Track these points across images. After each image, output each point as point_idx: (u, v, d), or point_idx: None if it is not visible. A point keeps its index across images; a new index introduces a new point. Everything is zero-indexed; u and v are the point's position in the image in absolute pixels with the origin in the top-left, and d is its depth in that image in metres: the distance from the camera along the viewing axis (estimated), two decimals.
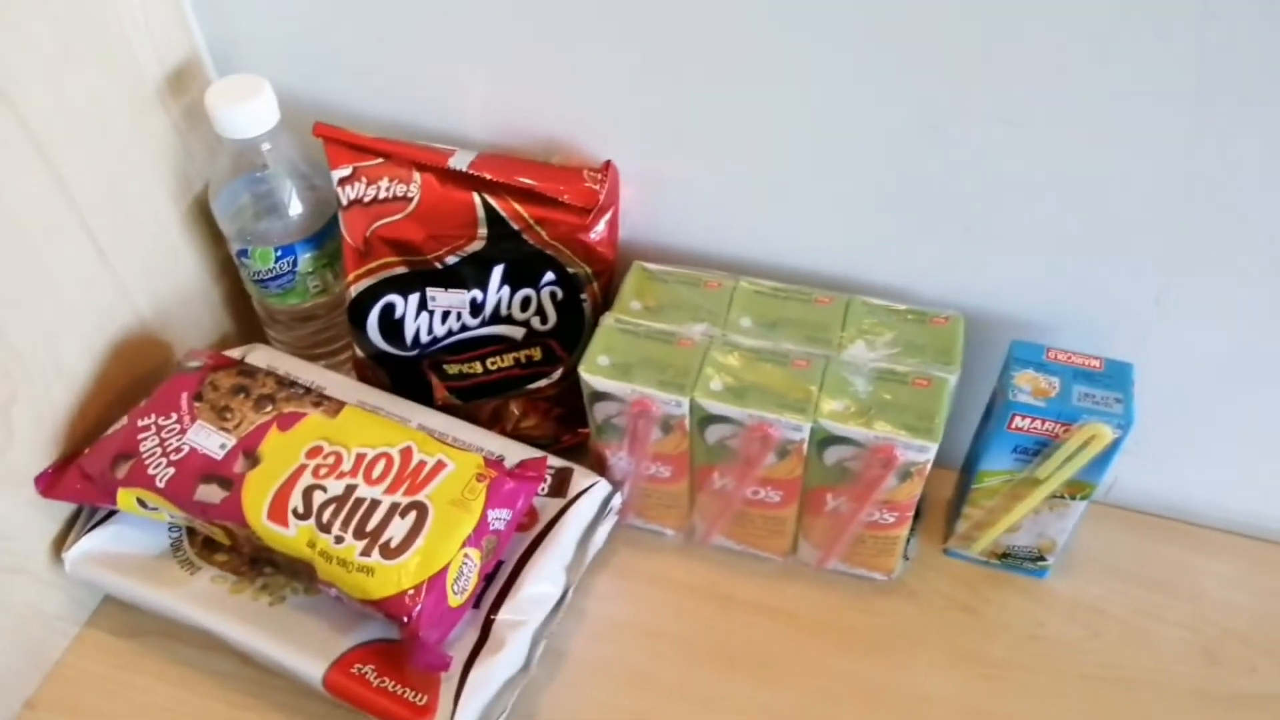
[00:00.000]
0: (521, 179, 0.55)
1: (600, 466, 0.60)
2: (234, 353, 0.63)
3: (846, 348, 0.55)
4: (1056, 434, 0.53)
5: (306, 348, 0.67)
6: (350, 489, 0.51)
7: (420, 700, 0.50)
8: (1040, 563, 0.62)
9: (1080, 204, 0.52)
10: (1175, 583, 0.62)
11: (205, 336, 0.66)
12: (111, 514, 0.57)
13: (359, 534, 0.50)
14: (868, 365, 0.54)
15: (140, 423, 0.55)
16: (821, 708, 0.57)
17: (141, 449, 0.53)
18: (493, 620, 0.53)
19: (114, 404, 0.59)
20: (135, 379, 0.60)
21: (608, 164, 0.57)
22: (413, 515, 0.50)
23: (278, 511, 0.51)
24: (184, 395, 0.55)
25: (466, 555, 0.51)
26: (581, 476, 0.59)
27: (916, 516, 0.62)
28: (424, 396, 0.63)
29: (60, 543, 0.57)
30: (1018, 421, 0.53)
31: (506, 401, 0.64)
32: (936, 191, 0.53)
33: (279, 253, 0.60)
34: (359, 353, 0.63)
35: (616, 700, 0.57)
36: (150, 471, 0.53)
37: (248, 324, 0.69)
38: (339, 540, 0.50)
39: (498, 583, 0.54)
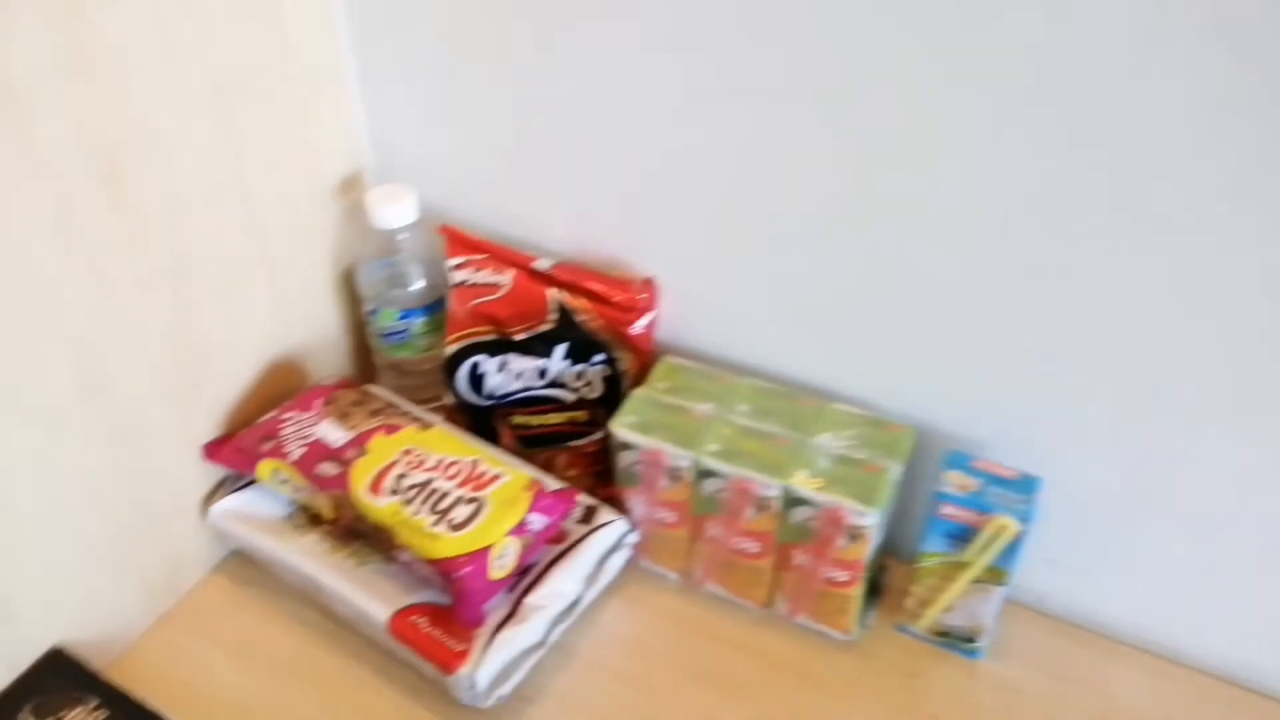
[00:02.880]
0: (586, 283, 0.74)
1: (621, 508, 0.76)
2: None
3: (817, 436, 0.71)
4: (975, 522, 0.67)
5: (411, 394, 0.85)
6: (430, 480, 0.68)
7: (458, 648, 0.65)
8: (971, 644, 0.74)
9: (1017, 347, 0.68)
10: (1091, 681, 0.73)
11: (334, 372, 0.86)
12: (250, 483, 0.75)
13: (433, 511, 0.67)
14: (832, 450, 0.70)
15: (284, 415, 0.74)
16: None
17: (282, 433, 0.72)
18: (522, 602, 0.69)
19: (264, 404, 0.77)
20: (282, 391, 0.79)
21: (648, 280, 0.76)
22: (474, 505, 0.67)
23: (375, 487, 0.68)
24: (318, 400, 0.74)
25: (509, 541, 0.67)
26: (605, 512, 0.75)
27: (877, 593, 0.76)
28: (493, 439, 0.81)
29: (209, 499, 0.75)
30: (946, 509, 0.68)
31: (556, 453, 0.81)
32: (900, 335, 0.70)
33: (400, 315, 0.80)
34: (448, 399, 0.81)
35: (612, 693, 0.71)
36: (286, 449, 0.71)
37: (367, 369, 0.89)
38: (417, 513, 0.67)
39: (530, 576, 0.70)
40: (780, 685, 0.72)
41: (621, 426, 0.71)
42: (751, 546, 0.72)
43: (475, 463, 0.70)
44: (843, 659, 0.74)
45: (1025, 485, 0.68)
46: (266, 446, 0.72)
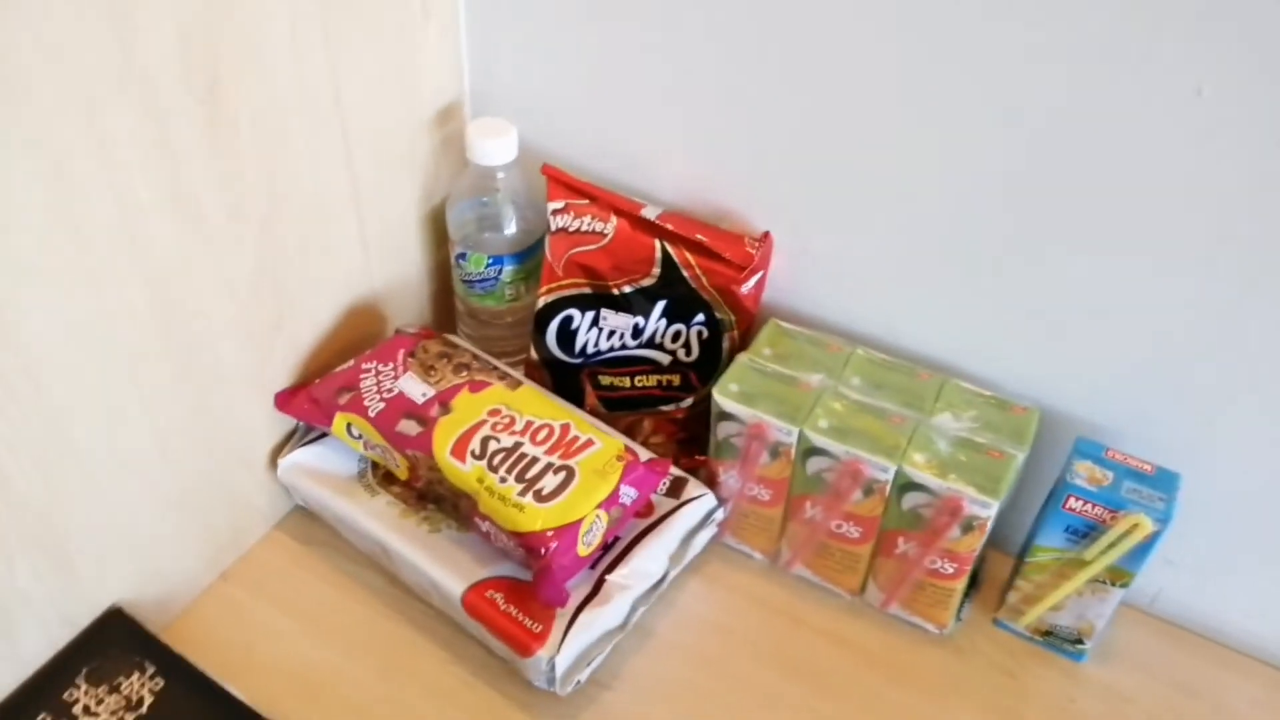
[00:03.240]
0: (696, 235, 0.69)
1: (711, 483, 0.72)
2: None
3: (936, 415, 0.66)
4: (1104, 519, 0.62)
5: (488, 346, 0.81)
6: (518, 445, 0.64)
7: (536, 628, 0.61)
8: (1079, 645, 0.70)
9: (1154, 329, 0.62)
10: (1203, 692, 0.69)
11: (413, 317, 0.81)
12: (321, 436, 0.71)
13: (519, 479, 0.62)
14: (952, 432, 0.65)
15: (364, 366, 0.69)
16: None
17: (361, 385, 0.68)
18: (605, 580, 0.65)
19: (340, 352, 0.73)
20: (359, 337, 0.75)
21: (765, 234, 0.71)
22: (563, 474, 0.63)
23: (459, 450, 0.64)
24: (401, 351, 0.70)
25: (598, 515, 0.63)
26: (694, 486, 0.71)
27: (974, 585, 0.72)
28: (578, 400, 0.76)
29: (278, 451, 0.72)
30: (1072, 502, 0.63)
31: (641, 418, 0.77)
32: (1038, 307, 0.65)
33: (490, 261, 0.75)
34: (533, 354, 0.77)
35: (689, 678, 0.67)
36: (365, 403, 0.67)
37: (445, 317, 0.84)
38: (503, 480, 0.62)
39: (613, 552, 0.66)
40: (868, 678, 0.68)
41: (724, 395, 0.67)
42: (852, 531, 0.68)
43: (566, 426, 0.66)
44: (936, 654, 0.70)
45: (1164, 481, 0.63)
46: (344, 399, 0.68)
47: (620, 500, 0.64)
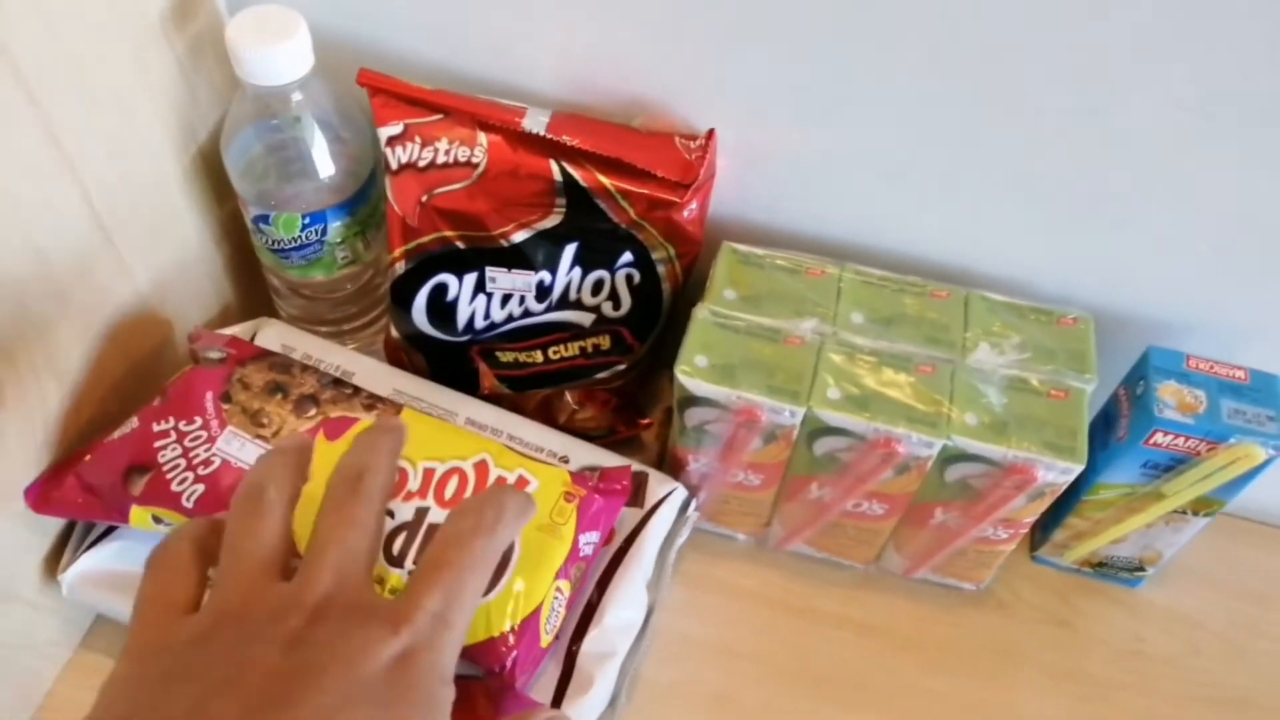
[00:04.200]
0: (609, 146, 0.47)
1: (676, 469, 0.54)
2: (238, 330, 0.54)
3: (971, 351, 0.49)
4: (1198, 451, 0.48)
5: (321, 324, 0.58)
6: (421, 513, 0.43)
7: None
8: (1138, 573, 0.57)
9: (1250, 206, 0.46)
10: (1272, 595, 0.59)
11: (206, 310, 0.57)
12: (112, 528, 0.48)
13: None
14: (998, 372, 0.48)
15: (156, 427, 0.46)
16: None
17: (161, 460, 0.45)
18: (575, 652, 0.47)
19: (110, 397, 0.49)
20: (133, 365, 0.51)
21: (711, 133, 0.49)
22: None
23: None
24: (208, 395, 0.46)
25: (558, 589, 0.44)
26: (658, 483, 0.53)
27: None
28: (468, 384, 0.55)
29: (53, 562, 0.48)
30: (1158, 438, 0.48)
31: (561, 391, 0.56)
32: (1092, 181, 0.47)
33: (306, 220, 0.51)
34: (394, 333, 0.54)
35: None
36: (175, 488, 0.44)
37: (251, 292, 0.60)
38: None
39: (576, 609, 0.48)
40: (910, 673, 0.55)
41: (692, 374, 0.47)
42: (875, 509, 0.52)
43: (482, 464, 0.45)
44: (975, 619, 0.57)
45: (1266, 391, 0.49)
46: (139, 485, 0.45)
47: (580, 554, 0.45)
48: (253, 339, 0.53)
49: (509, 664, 0.41)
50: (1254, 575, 0.60)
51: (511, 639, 0.42)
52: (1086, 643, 0.56)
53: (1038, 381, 0.48)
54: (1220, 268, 0.49)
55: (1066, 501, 0.55)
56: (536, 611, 0.42)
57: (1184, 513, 0.52)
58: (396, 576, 0.42)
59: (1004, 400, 0.47)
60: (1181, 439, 0.48)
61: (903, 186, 0.50)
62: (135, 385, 0.50)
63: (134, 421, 0.46)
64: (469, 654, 0.42)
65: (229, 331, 0.52)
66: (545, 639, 0.43)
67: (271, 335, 0.54)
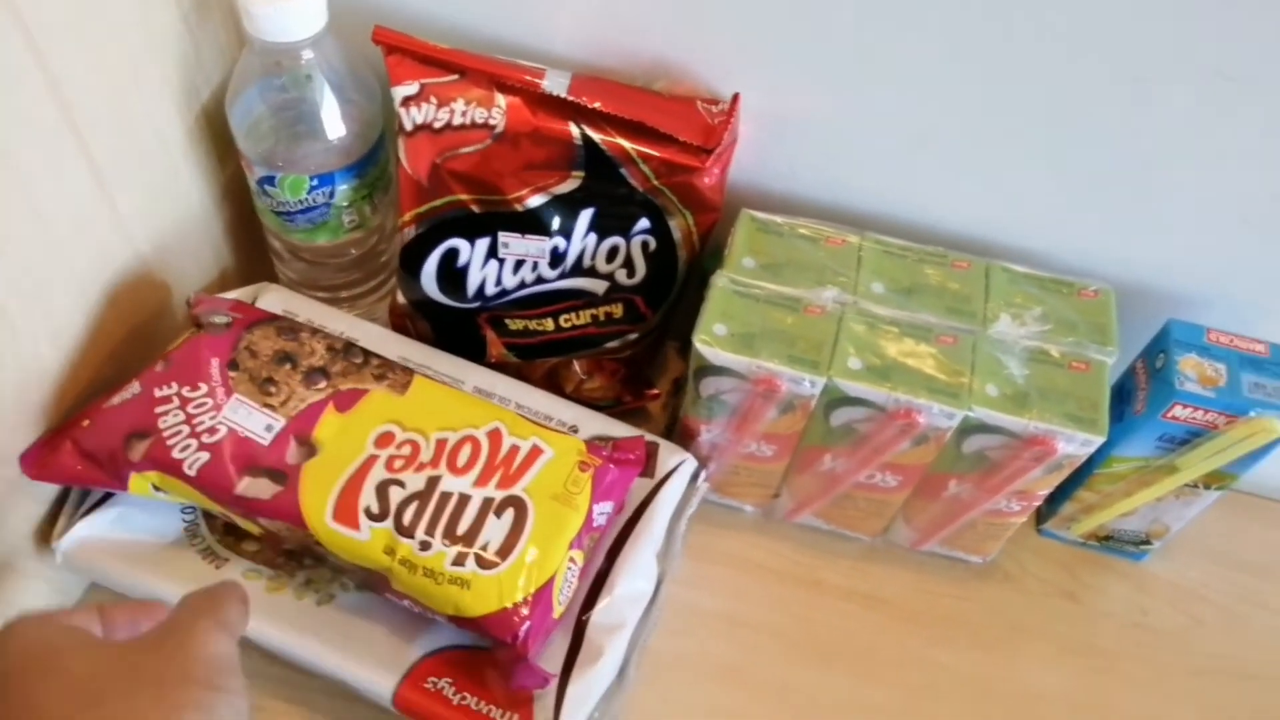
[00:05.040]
0: (630, 109, 0.46)
1: (686, 439, 0.53)
2: (240, 294, 0.52)
3: (992, 322, 0.48)
4: (1215, 425, 0.48)
5: (323, 288, 0.56)
6: (433, 482, 0.42)
7: None
8: (1144, 546, 0.57)
9: (1271, 174, 0.46)
10: (1274, 567, 0.59)
11: (205, 273, 0.55)
12: (108, 495, 0.47)
13: (450, 537, 0.41)
14: (1019, 344, 0.48)
15: (158, 392, 0.44)
16: (927, 706, 0.52)
17: (162, 426, 0.43)
18: (585, 621, 0.46)
19: (108, 362, 0.48)
20: (133, 329, 0.49)
21: (736, 98, 0.48)
22: (510, 513, 0.42)
23: (346, 512, 0.42)
24: (214, 362, 0.45)
25: (571, 559, 0.43)
26: (669, 453, 0.52)
27: None
28: (475, 352, 0.54)
29: (46, 530, 0.47)
30: (1177, 411, 0.48)
31: (569, 360, 0.55)
32: (1119, 151, 0.46)
33: (314, 182, 0.49)
34: (400, 299, 0.53)
35: (704, 700, 0.51)
36: (177, 455, 0.43)
37: (250, 256, 0.58)
38: (425, 546, 0.41)
39: (587, 578, 0.47)
40: (918, 646, 0.55)
41: (711, 343, 0.46)
42: (888, 481, 0.51)
43: (495, 433, 0.44)
44: (983, 592, 0.57)
45: None
46: (139, 450, 0.43)
47: (594, 525, 0.44)
48: (253, 304, 0.52)
49: (522, 634, 0.41)
50: (1256, 548, 0.60)
51: (525, 609, 0.41)
52: (1092, 615, 0.57)
53: (1059, 353, 0.48)
54: (1241, 240, 0.49)
55: (1078, 474, 0.54)
56: (550, 582, 0.42)
57: (1195, 486, 0.52)
58: (406, 547, 0.41)
59: (1025, 372, 0.47)
60: (1200, 412, 0.48)
61: (924, 154, 0.49)
62: (133, 350, 0.49)
63: (135, 387, 0.45)
64: (480, 627, 0.41)
65: (231, 296, 0.51)
66: (558, 609, 0.43)
67: (274, 300, 0.53)
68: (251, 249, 0.58)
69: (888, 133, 0.49)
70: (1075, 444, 0.46)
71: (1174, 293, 0.52)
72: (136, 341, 0.49)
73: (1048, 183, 0.49)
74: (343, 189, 0.50)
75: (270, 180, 0.49)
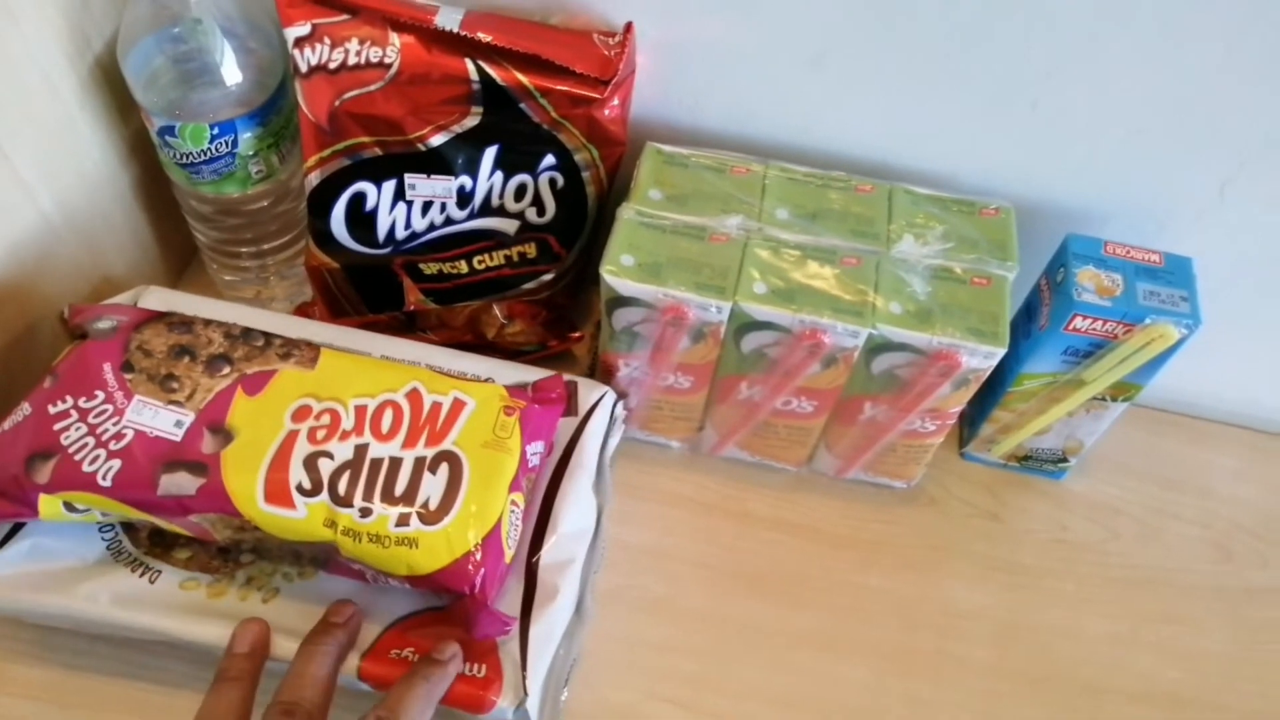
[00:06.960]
0: (525, 43, 0.46)
1: (607, 376, 0.53)
2: (119, 299, 0.51)
3: (895, 243, 0.49)
4: (1116, 335, 0.49)
5: (240, 244, 0.56)
6: (361, 449, 0.42)
7: (479, 672, 0.42)
8: (1062, 464, 0.59)
9: (1163, 87, 0.47)
10: (1185, 480, 0.61)
11: (119, 241, 0.54)
12: (18, 527, 0.45)
13: (389, 500, 0.41)
14: (922, 262, 0.49)
15: (52, 409, 0.43)
16: (856, 629, 0.53)
17: (65, 442, 0.42)
18: (536, 564, 0.46)
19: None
20: (20, 329, 0.47)
21: (629, 26, 0.48)
22: (445, 468, 0.42)
23: (277, 492, 0.41)
24: (106, 367, 0.44)
25: (513, 502, 0.43)
26: (588, 389, 0.52)
27: None
28: (394, 300, 0.54)
29: None
30: (1078, 323, 0.49)
31: (489, 305, 0.56)
32: (1009, 66, 0.47)
33: (215, 130, 0.49)
34: (315, 251, 0.53)
35: (639, 632, 0.52)
36: (87, 469, 0.42)
37: (165, 223, 0.57)
38: (365, 513, 0.41)
39: (530, 521, 0.47)
40: (845, 571, 0.56)
41: (618, 273, 0.47)
42: (804, 406, 0.52)
43: (414, 393, 0.44)
44: (908, 516, 0.58)
45: (1178, 273, 0.50)
46: (44, 472, 0.42)
47: (529, 466, 0.45)
48: (135, 306, 0.50)
49: (478, 582, 0.41)
50: (1167, 463, 0.62)
51: (478, 554, 0.41)
52: (1014, 534, 0.58)
53: (961, 270, 0.49)
54: (1134, 152, 0.50)
55: (992, 394, 0.56)
56: (496, 527, 0.42)
57: (1104, 399, 0.53)
58: (347, 517, 0.41)
59: (928, 289, 0.48)
60: (1100, 322, 0.49)
61: (824, 75, 0.50)
62: (27, 347, 0.47)
63: (25, 408, 0.43)
64: (436, 582, 0.41)
65: (110, 302, 0.50)
66: (508, 553, 0.43)
67: (155, 301, 0.51)
68: (165, 213, 0.57)
69: (785, 53, 0.49)
70: (978, 356, 0.47)
71: (1074, 208, 0.53)
72: (31, 333, 0.48)
73: (944, 100, 0.50)
74: (246, 137, 0.50)
75: (170, 130, 0.49)
